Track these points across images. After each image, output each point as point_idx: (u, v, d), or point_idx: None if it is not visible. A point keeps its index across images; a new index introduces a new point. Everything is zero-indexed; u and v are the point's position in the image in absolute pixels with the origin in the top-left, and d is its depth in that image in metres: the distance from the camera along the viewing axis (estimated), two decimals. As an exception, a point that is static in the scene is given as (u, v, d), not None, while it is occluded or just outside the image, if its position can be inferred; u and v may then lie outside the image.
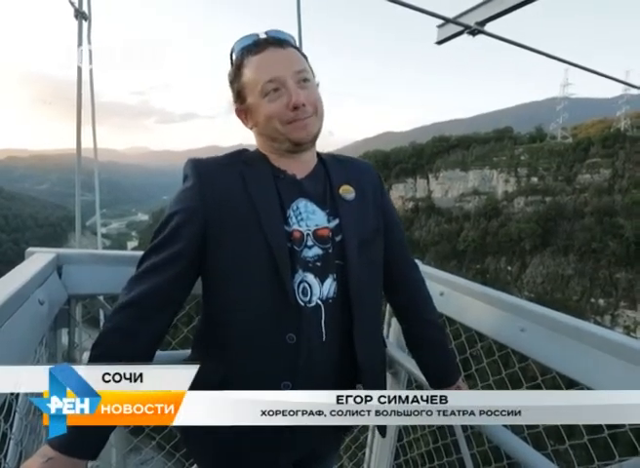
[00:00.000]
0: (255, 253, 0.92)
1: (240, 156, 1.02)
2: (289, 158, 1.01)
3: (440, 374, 1.11)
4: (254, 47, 0.96)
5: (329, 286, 0.96)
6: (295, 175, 1.01)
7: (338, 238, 0.98)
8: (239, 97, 0.99)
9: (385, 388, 1.18)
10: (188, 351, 1.33)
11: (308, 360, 0.94)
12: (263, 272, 0.92)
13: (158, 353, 1.31)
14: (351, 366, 0.99)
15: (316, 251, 0.96)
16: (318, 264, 0.96)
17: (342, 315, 0.97)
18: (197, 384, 1.04)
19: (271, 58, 0.95)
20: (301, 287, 0.94)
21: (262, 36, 0.97)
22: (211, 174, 0.96)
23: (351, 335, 0.98)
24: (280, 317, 0.92)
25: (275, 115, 0.94)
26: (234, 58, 0.99)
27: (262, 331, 0.93)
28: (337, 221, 0.99)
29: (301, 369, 0.93)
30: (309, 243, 0.96)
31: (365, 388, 1.00)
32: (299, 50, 1.01)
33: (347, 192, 1.02)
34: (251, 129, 1.04)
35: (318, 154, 1.08)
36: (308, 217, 0.97)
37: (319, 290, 0.95)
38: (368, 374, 1.00)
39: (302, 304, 0.93)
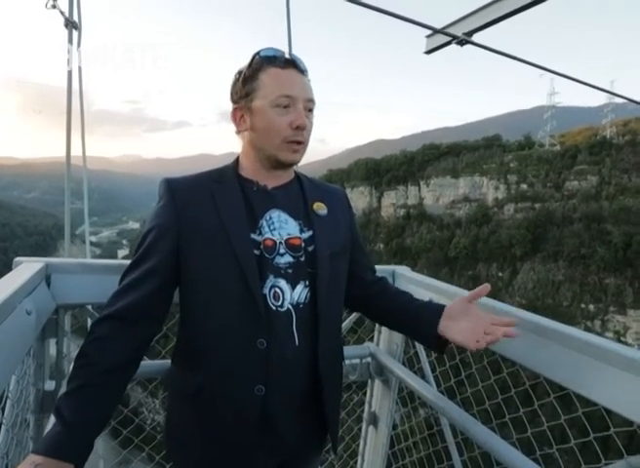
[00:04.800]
0: (223, 263, 0.96)
1: (210, 175, 1.07)
2: (266, 170, 1.06)
3: (428, 307, 1.09)
4: (278, 61, 1.00)
5: (300, 291, 1.01)
6: (266, 186, 1.05)
7: (310, 248, 1.04)
8: (246, 96, 1.01)
9: (341, 396, 1.20)
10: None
11: (280, 364, 0.97)
12: (232, 280, 0.96)
13: (146, 362, 1.32)
14: (315, 369, 1.02)
15: (288, 258, 1.01)
16: (289, 271, 1.00)
17: (311, 320, 1.02)
18: (175, 392, 1.08)
19: (292, 78, 1.00)
20: (273, 291, 0.98)
21: (288, 56, 1.02)
22: (183, 192, 1.01)
23: (317, 340, 1.02)
24: (250, 323, 0.96)
25: (277, 128, 0.98)
26: (255, 60, 1.01)
27: (233, 338, 0.97)
28: (310, 233, 1.05)
29: (273, 372, 0.97)
30: (281, 250, 1.01)
31: (324, 394, 1.04)
32: (310, 82, 1.06)
33: (320, 208, 1.10)
34: (238, 132, 1.07)
35: (295, 172, 1.15)
36: (281, 227, 1.02)
37: (290, 295, 1.00)
38: (329, 379, 1.05)
39: (274, 308, 0.98)
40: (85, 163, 2.39)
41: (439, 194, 65.64)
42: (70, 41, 1.92)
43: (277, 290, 0.98)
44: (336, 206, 1.14)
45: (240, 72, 1.03)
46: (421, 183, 67.84)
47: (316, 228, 1.05)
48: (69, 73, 1.93)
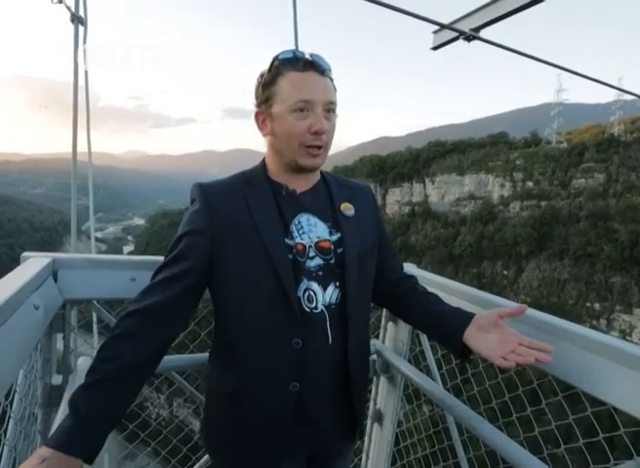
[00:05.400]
0: (258, 266, 0.98)
1: (242, 178, 1.08)
2: (291, 174, 1.06)
3: (458, 313, 1.08)
4: (297, 64, 0.99)
5: (331, 293, 1.04)
6: (295, 191, 1.07)
7: (339, 250, 1.05)
8: (266, 101, 1.02)
9: (367, 391, 1.24)
10: (189, 356, 1.41)
11: (314, 362, 1.01)
12: (267, 283, 0.98)
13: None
14: (345, 365, 1.06)
15: (318, 261, 1.03)
16: (320, 273, 1.03)
17: (343, 319, 1.04)
18: (212, 390, 1.12)
19: (310, 81, 0.99)
20: (307, 294, 1.01)
21: (308, 57, 1.00)
22: (216, 196, 1.02)
23: (347, 338, 1.05)
24: (285, 324, 0.99)
25: (295, 134, 0.99)
26: (274, 63, 1.01)
27: (269, 339, 1.00)
28: (338, 235, 1.07)
29: (308, 370, 1.01)
30: (311, 254, 1.03)
31: (353, 389, 1.08)
32: (332, 81, 1.05)
33: (348, 209, 1.11)
34: (264, 136, 1.08)
35: (321, 172, 1.15)
36: (310, 230, 1.04)
37: (322, 296, 1.03)
38: (356, 374, 1.08)
39: (308, 310, 1.01)
40: (90, 159, 2.40)
41: (444, 191, 65.42)
42: (76, 36, 1.92)
43: (311, 292, 1.01)
44: (363, 204, 1.15)
45: (262, 75, 1.03)
46: (427, 181, 67.64)
47: (344, 230, 1.07)
48: (75, 68, 1.93)
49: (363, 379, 1.17)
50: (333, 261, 1.04)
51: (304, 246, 1.02)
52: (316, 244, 1.04)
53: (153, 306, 0.94)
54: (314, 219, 1.06)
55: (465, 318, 1.04)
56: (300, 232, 1.03)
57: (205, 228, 0.99)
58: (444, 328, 1.07)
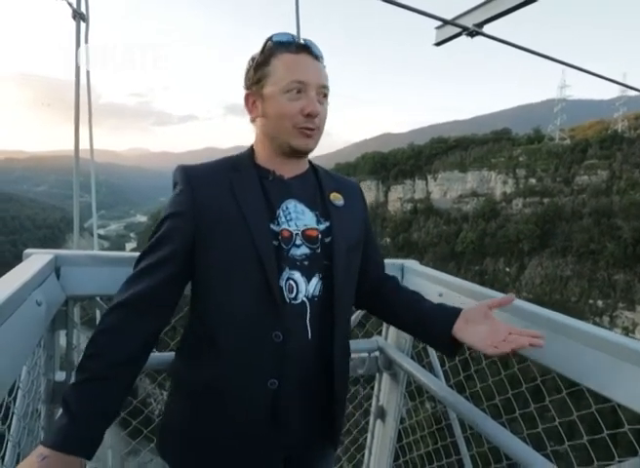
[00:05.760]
0: (241, 253, 0.94)
1: (228, 162, 1.05)
2: (280, 159, 1.03)
3: (444, 308, 1.07)
4: (291, 46, 0.98)
5: (315, 284, 0.99)
6: (282, 176, 1.03)
7: (327, 239, 1.02)
8: (257, 82, 0.99)
9: (347, 390, 1.17)
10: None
11: (294, 357, 0.96)
12: (249, 271, 0.94)
13: (155, 355, 1.32)
14: (327, 363, 1.02)
15: (304, 250, 0.99)
16: (305, 263, 0.99)
17: (325, 314, 1.00)
18: (180, 384, 1.05)
19: (305, 63, 0.98)
20: (288, 284, 0.96)
21: (302, 41, 1.00)
22: (200, 179, 0.98)
23: (332, 335, 1.01)
24: (266, 315, 0.94)
25: (288, 114, 0.96)
26: (267, 45, 0.99)
27: (249, 331, 0.95)
28: (327, 224, 1.03)
29: (287, 366, 0.96)
30: (298, 242, 0.99)
31: (335, 388, 1.03)
32: (325, 68, 1.04)
33: (337, 199, 1.07)
34: (252, 120, 1.05)
35: (310, 162, 1.12)
36: (298, 218, 1.00)
37: (305, 287, 0.98)
38: (339, 374, 1.04)
39: (288, 301, 0.96)
40: (92, 156, 2.40)
41: (446, 188, 65.29)
42: (78, 33, 1.92)
43: (292, 282, 0.96)
44: (352, 198, 1.12)
45: (253, 58, 1.01)
46: (429, 177, 67.50)
47: (333, 219, 1.03)
48: (77, 65, 1.93)
49: (345, 380, 1.12)
50: (319, 251, 1.00)
51: (291, 233, 0.98)
52: (303, 232, 0.99)
53: (136, 297, 0.91)
54: (301, 207, 1.02)
55: (453, 312, 1.03)
56: (288, 218, 0.99)
57: (187, 210, 0.95)
58: (432, 323, 1.05)
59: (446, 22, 2.73)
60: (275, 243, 0.96)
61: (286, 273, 0.96)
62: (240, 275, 0.95)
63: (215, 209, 0.95)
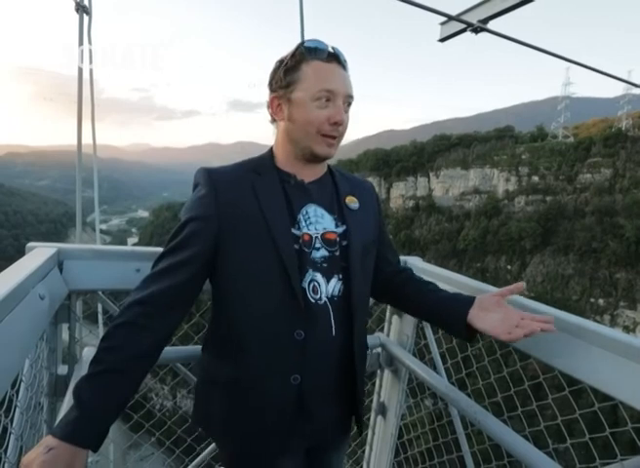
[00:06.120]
0: (264, 256, 0.98)
1: (249, 165, 1.08)
2: (301, 163, 1.06)
3: (459, 297, 1.10)
4: (323, 54, 1.00)
5: (334, 285, 1.04)
6: (303, 181, 1.07)
7: (344, 242, 1.06)
8: (287, 86, 1.01)
9: (365, 383, 1.23)
10: (194, 347, 1.37)
11: (316, 354, 1.00)
12: (272, 273, 0.98)
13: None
14: (349, 358, 1.07)
15: (323, 252, 1.04)
16: (325, 265, 1.03)
17: (344, 312, 1.05)
18: (207, 380, 1.11)
19: (335, 73, 1.01)
20: (312, 285, 1.01)
21: (331, 50, 1.02)
22: (223, 183, 1.01)
23: (351, 332, 1.06)
24: (288, 315, 0.98)
25: (315, 122, 0.99)
26: (298, 50, 1.01)
27: (271, 329, 0.99)
28: (344, 227, 1.07)
29: (309, 362, 1.00)
30: (317, 245, 1.03)
31: (358, 382, 1.10)
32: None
33: (353, 202, 1.12)
34: (274, 121, 1.07)
35: (327, 164, 1.15)
36: (317, 221, 1.05)
37: (325, 288, 1.03)
38: (359, 368, 1.10)
39: (313, 301, 1.00)
40: (95, 151, 2.40)
41: (449, 185, 65.11)
42: (81, 26, 1.91)
43: (315, 283, 1.01)
44: (366, 199, 1.16)
45: (282, 61, 1.02)
46: (431, 175, 67.32)
47: (349, 223, 1.08)
48: (80, 58, 1.92)
49: (363, 373, 1.17)
50: (337, 253, 1.05)
51: (311, 236, 1.02)
52: (322, 235, 1.04)
53: (156, 295, 0.93)
54: (321, 210, 1.06)
55: (467, 300, 1.06)
56: (308, 222, 1.03)
57: (211, 214, 0.97)
58: (447, 311, 1.08)
59: (450, 18, 2.72)
60: (296, 246, 1.00)
61: (309, 275, 1.01)
62: (262, 277, 0.98)
63: (238, 212, 0.99)
